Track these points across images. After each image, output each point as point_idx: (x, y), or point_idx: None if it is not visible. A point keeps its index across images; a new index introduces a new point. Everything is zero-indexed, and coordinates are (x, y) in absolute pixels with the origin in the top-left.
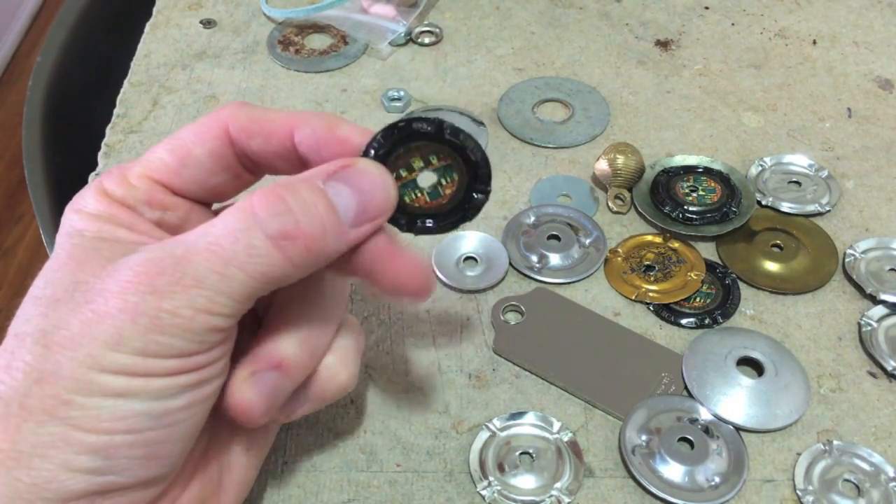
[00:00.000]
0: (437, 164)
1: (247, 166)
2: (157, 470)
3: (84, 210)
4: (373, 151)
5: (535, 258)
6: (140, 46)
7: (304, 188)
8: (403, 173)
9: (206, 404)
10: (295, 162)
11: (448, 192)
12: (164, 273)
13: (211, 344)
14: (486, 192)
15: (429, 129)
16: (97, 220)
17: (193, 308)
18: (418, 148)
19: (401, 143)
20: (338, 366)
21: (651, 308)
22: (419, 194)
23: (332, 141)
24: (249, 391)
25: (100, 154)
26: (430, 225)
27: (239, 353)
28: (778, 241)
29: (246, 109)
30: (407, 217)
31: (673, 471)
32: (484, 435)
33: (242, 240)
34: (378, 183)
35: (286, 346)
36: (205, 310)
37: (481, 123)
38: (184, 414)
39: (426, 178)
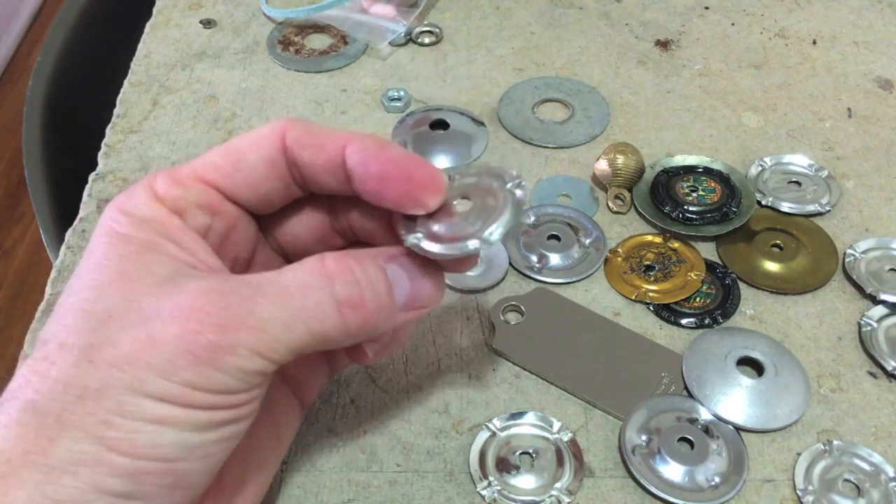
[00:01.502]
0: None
1: (295, 178)
2: (180, 499)
3: (131, 212)
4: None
5: (535, 258)
6: (140, 46)
7: (370, 263)
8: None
9: (236, 440)
10: (341, 178)
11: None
12: (230, 309)
13: (252, 385)
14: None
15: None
16: (144, 226)
17: (251, 349)
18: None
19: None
20: None
21: (651, 308)
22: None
23: (382, 158)
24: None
25: (100, 154)
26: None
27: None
28: (778, 241)
29: (302, 122)
30: None
31: (673, 471)
32: (484, 435)
33: (312, 296)
34: (432, 277)
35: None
36: (261, 353)
37: (481, 123)
38: (215, 448)
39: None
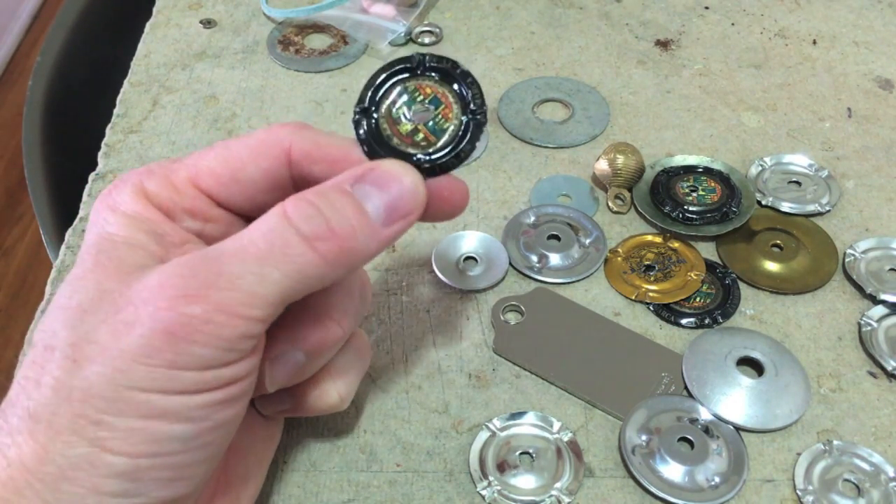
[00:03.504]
0: (427, 96)
1: (301, 188)
2: (182, 490)
3: (119, 209)
4: (364, 102)
5: (535, 258)
6: (140, 46)
7: (333, 192)
8: (401, 114)
9: (234, 425)
10: None
11: (446, 125)
12: (197, 275)
13: (241, 353)
14: (482, 113)
15: (409, 65)
16: (131, 223)
17: (227, 312)
18: (409, 85)
19: (389, 84)
20: (329, 386)
21: (651, 308)
22: (421, 132)
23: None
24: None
25: (100, 154)
26: (445, 158)
27: None
28: (778, 241)
29: (309, 133)
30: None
31: (673, 471)
32: (484, 435)
33: (277, 240)
34: (405, 181)
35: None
36: (238, 314)
37: None
38: (212, 436)
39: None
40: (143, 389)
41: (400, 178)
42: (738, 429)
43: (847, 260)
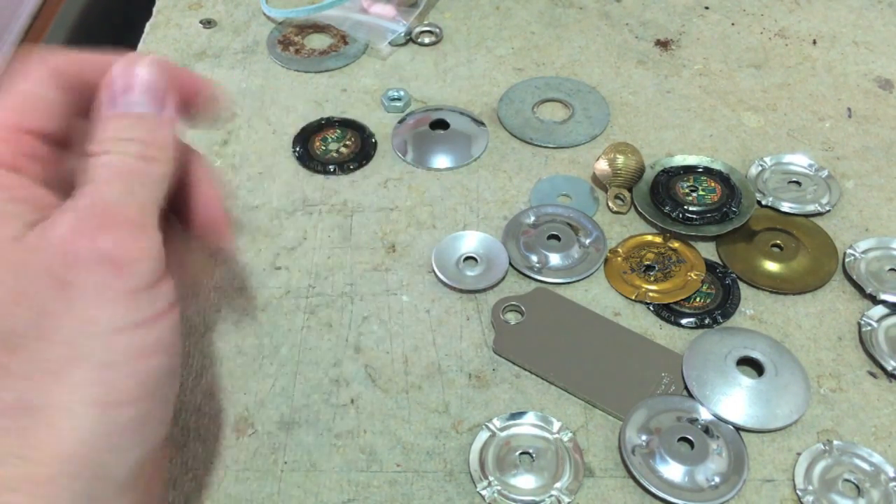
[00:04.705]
0: None
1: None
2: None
3: None
4: None
5: (535, 258)
6: (140, 46)
7: (109, 124)
8: None
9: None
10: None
11: None
12: (89, 212)
13: (160, 257)
14: None
15: None
16: None
17: (132, 222)
18: None
19: None
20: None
21: (651, 308)
22: None
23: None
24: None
25: None
26: None
27: None
28: (778, 241)
29: (64, 53)
30: None
31: (673, 471)
32: (484, 435)
33: (116, 168)
34: (121, 67)
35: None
36: (135, 219)
37: (481, 123)
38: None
39: None
40: (117, 330)
41: (118, 71)
42: (738, 429)
43: (847, 260)
